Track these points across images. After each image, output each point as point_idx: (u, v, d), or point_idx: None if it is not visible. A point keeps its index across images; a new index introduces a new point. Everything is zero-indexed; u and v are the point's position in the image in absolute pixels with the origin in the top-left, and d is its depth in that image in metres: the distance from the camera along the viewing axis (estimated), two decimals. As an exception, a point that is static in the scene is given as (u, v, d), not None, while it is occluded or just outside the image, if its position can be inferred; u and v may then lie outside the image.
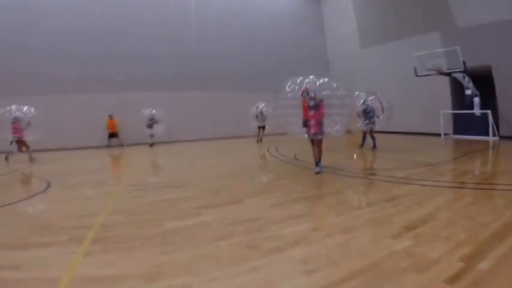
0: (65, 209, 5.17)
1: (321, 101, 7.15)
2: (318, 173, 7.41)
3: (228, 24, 19.91)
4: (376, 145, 11.58)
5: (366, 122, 11.52)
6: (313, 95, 7.14)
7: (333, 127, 7.33)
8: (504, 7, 13.52)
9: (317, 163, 7.58)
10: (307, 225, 4.11)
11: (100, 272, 2.90)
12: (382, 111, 11.38)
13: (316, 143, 7.52)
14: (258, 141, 15.49)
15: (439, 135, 15.48)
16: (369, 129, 11.62)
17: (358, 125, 11.82)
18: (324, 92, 7.25)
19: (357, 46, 21.79)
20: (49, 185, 7.01)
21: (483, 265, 2.68)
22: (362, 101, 11.64)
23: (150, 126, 15.34)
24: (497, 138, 13.34)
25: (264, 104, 15.46)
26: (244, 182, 7.27)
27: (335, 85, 7.47)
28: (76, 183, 7.45)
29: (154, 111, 15.43)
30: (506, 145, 11.86)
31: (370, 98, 11.48)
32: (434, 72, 14.61)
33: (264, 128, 15.66)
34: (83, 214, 4.76)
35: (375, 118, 11.44)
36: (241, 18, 20.60)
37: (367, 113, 11.45)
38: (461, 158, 9.53)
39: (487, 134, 13.58)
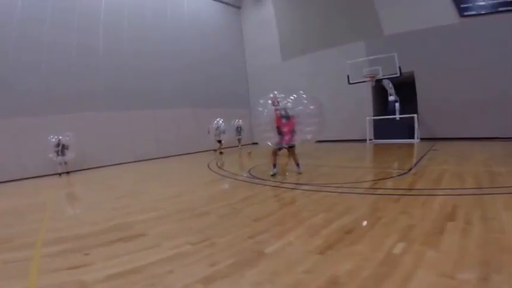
0: None
1: (292, 116, 7.32)
2: (300, 173, 7.55)
3: (149, 36, 17.19)
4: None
5: None
6: (282, 106, 7.40)
7: (306, 135, 7.42)
8: (426, 16, 14.06)
9: (297, 164, 7.73)
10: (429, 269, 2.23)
11: None
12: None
13: (290, 151, 7.70)
14: (215, 151, 15.67)
15: (361, 141, 15.67)
16: None
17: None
18: (296, 108, 7.51)
19: (278, 58, 20.85)
20: None
21: None
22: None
23: (60, 152, 12.17)
24: (418, 140, 13.71)
25: (222, 119, 15.33)
26: (227, 221, 4.50)
27: (305, 101, 7.74)
28: None
29: (61, 137, 12.35)
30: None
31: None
32: (368, 79, 14.47)
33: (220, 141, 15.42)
34: None
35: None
36: (160, 30, 17.93)
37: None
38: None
39: (408, 137, 13.99)
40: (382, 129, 15.33)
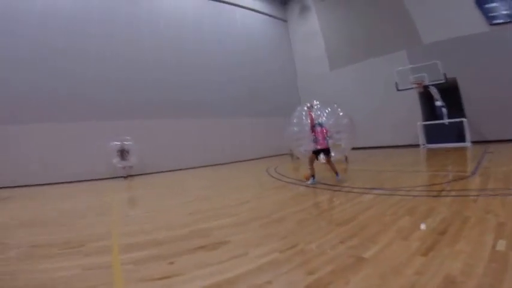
0: None
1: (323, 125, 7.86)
2: (338, 180, 7.57)
3: (201, 50, 18.24)
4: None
5: None
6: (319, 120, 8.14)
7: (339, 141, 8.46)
8: (458, 25, 14.66)
9: (336, 173, 7.75)
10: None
11: None
12: None
13: (326, 159, 7.81)
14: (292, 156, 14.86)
15: (414, 146, 15.57)
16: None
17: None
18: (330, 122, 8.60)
19: (326, 68, 21.22)
20: None
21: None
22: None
23: (122, 157, 12.84)
24: (469, 143, 13.43)
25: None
26: (304, 225, 4.36)
27: (341, 113, 9.17)
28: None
29: (125, 141, 13.09)
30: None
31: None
32: (416, 85, 14.58)
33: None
34: None
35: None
36: (216, 44, 19.02)
37: None
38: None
39: (459, 141, 13.87)
40: (432, 134, 15.19)
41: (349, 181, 7.66)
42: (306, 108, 8.87)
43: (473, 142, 13.55)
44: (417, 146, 15.19)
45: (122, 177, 13.08)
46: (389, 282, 2.36)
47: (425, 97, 15.79)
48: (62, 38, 13.36)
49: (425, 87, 14.57)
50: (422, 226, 3.59)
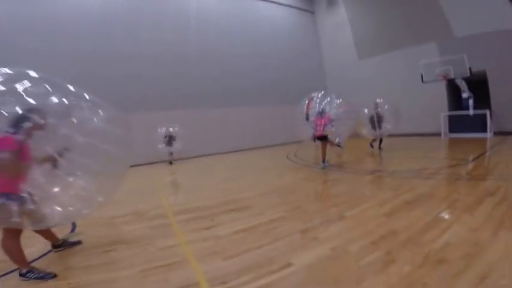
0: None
1: (324, 114, 8.45)
2: (323, 167, 8.20)
3: (228, 40, 18.72)
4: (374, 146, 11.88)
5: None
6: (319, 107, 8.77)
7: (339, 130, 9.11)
8: (491, 19, 14.26)
9: (323, 160, 8.32)
10: (458, 227, 3.47)
11: None
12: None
13: (322, 144, 8.40)
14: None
15: (435, 135, 15.71)
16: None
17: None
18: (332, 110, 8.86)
19: (354, 57, 21.26)
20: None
21: None
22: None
23: (168, 143, 13.46)
24: (491, 134, 13.67)
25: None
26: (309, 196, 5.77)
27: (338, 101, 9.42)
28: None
29: (171, 128, 13.68)
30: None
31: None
32: (441, 78, 14.65)
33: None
34: (165, 264, 3.14)
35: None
36: (241, 35, 19.39)
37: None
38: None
39: (481, 132, 14.07)
40: (456, 124, 15.51)
41: (358, 164, 9.03)
42: (306, 100, 9.85)
43: (497, 133, 13.80)
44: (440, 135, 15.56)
45: (167, 161, 14.09)
46: (355, 230, 3.60)
47: (453, 88, 15.91)
48: (115, 41, 14.74)
49: (450, 80, 14.79)
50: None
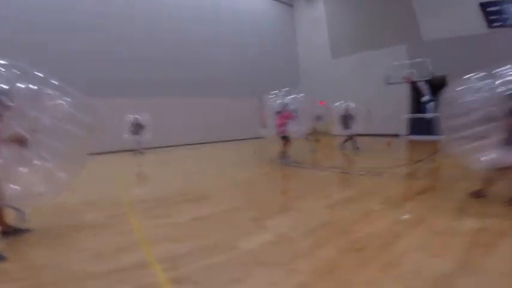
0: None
1: (283, 111, 8.59)
2: (284, 164, 8.54)
3: (202, 29, 18.46)
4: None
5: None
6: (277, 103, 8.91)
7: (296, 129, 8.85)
8: (459, 25, 14.96)
9: (282, 156, 8.73)
10: (384, 220, 3.93)
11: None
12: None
13: (282, 142, 8.70)
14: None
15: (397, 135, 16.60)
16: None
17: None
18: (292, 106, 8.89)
19: (328, 55, 21.80)
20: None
21: None
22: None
23: (135, 132, 12.91)
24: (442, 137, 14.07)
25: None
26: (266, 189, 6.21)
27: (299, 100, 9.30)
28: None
29: (139, 116, 13.07)
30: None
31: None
32: (405, 81, 15.49)
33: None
34: (119, 247, 3.40)
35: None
36: (216, 24, 19.20)
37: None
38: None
39: (438, 135, 14.30)
40: (417, 127, 16.15)
41: (318, 161, 9.69)
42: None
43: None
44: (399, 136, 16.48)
45: (135, 150, 13.41)
46: (299, 219, 4.08)
47: (416, 91, 16.65)
48: (80, 18, 14.06)
49: (414, 83, 15.52)
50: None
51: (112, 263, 2.97)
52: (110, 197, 5.87)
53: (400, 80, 15.84)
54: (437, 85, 15.38)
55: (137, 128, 12.88)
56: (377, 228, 3.58)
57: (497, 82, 4.31)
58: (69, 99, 3.90)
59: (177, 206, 5.02)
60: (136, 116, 12.96)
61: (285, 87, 9.71)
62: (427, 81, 15.06)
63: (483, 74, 4.63)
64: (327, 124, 12.11)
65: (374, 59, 18.57)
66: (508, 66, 4.43)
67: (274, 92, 9.52)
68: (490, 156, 4.08)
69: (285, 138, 8.68)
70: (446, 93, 5.00)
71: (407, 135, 16.46)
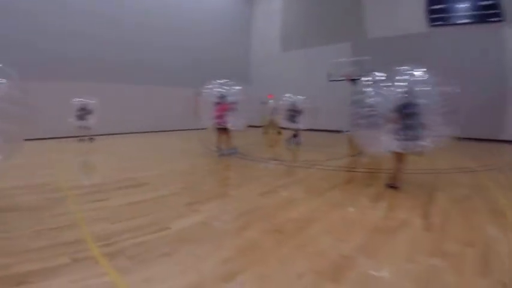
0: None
1: (221, 102, 8.55)
2: (222, 155, 8.67)
3: (153, 15, 17.82)
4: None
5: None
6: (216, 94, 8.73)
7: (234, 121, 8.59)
8: (402, 24, 15.85)
9: (220, 148, 8.85)
10: (304, 207, 4.40)
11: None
12: None
13: (220, 132, 8.76)
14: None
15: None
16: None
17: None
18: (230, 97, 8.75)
19: (279, 48, 22.20)
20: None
21: None
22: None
23: (82, 117, 12.20)
24: None
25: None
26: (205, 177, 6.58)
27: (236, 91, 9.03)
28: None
29: (87, 100, 12.38)
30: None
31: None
32: (344, 78, 15.85)
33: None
34: (56, 227, 3.55)
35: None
36: (167, 12, 18.60)
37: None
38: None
39: None
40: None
41: (261, 153, 10.13)
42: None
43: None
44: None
45: (81, 137, 12.75)
46: (231, 205, 4.50)
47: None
48: None
49: (353, 80, 16.31)
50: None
51: (50, 239, 3.16)
52: (48, 182, 5.83)
53: (340, 77, 16.33)
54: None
55: (84, 113, 12.23)
56: (297, 214, 4.09)
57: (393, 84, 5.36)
58: (5, 81, 3.94)
59: (115, 191, 5.17)
60: (82, 100, 12.29)
61: (229, 79, 9.43)
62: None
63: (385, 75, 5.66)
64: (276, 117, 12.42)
65: (321, 55, 19.04)
66: (405, 67, 5.59)
67: (212, 82, 9.14)
68: (381, 143, 5.11)
69: (224, 130, 8.71)
70: (355, 95, 5.94)
71: (347, 131, 17.26)
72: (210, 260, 2.78)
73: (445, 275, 2.51)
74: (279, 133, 15.05)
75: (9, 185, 5.32)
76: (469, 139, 13.65)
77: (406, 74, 5.39)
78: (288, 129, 12.41)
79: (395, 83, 5.30)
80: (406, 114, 4.92)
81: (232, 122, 8.52)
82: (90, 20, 15.11)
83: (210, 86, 8.92)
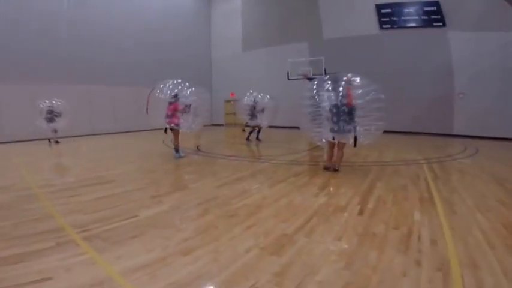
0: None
1: (172, 102, 8.38)
2: (179, 157, 8.64)
3: (113, 14, 17.81)
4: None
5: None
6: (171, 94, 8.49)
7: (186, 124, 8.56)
8: (355, 25, 16.94)
9: (176, 149, 8.78)
10: (257, 196, 5.10)
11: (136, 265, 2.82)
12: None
13: (175, 132, 8.58)
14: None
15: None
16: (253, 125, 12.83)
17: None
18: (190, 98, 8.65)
19: (239, 48, 22.79)
20: None
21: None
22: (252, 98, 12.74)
23: (50, 119, 12.30)
24: None
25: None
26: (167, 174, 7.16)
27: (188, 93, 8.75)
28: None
29: (54, 102, 12.49)
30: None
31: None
32: (302, 77, 16.31)
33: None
34: (34, 219, 4.01)
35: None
36: (126, 11, 18.61)
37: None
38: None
39: None
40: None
41: (221, 150, 10.93)
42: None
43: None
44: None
45: (49, 139, 12.88)
46: (191, 196, 5.05)
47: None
48: None
49: (310, 79, 17.03)
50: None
51: (30, 229, 3.64)
52: (18, 182, 6.17)
53: (297, 76, 16.92)
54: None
55: (52, 115, 12.37)
56: (250, 202, 4.76)
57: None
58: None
59: (84, 188, 5.62)
60: (50, 102, 12.45)
61: (190, 78, 9.50)
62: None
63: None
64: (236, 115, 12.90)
65: (281, 54, 19.64)
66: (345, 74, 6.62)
67: (165, 81, 8.87)
68: (318, 134, 6.67)
69: (173, 130, 8.54)
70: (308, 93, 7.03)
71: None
72: (172, 240, 3.36)
73: (368, 251, 3.03)
74: (243, 130, 15.59)
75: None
76: (425, 134, 14.92)
77: (343, 81, 6.40)
78: (249, 126, 13.03)
79: (336, 87, 6.39)
80: (339, 113, 6.21)
81: (183, 124, 8.49)
82: (50, 20, 15.03)
83: (162, 86, 8.64)
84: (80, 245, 3.20)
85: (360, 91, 6.22)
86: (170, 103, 8.35)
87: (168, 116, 8.32)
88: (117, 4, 18.03)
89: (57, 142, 12.91)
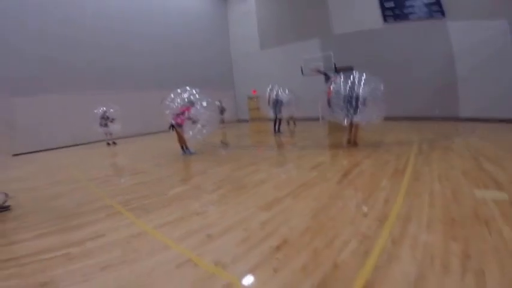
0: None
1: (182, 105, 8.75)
2: (190, 154, 9.11)
3: (129, 20, 18.53)
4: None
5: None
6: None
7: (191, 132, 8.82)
8: (362, 20, 17.26)
9: (182, 148, 9.25)
10: (264, 174, 6.13)
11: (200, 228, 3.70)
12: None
13: (178, 131, 8.93)
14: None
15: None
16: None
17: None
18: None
19: (257, 47, 23.48)
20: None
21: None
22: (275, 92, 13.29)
23: (105, 125, 13.87)
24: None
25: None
26: (191, 163, 8.09)
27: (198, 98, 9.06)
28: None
29: (108, 109, 13.99)
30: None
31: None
32: (314, 71, 16.94)
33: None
34: (88, 201, 5.21)
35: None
36: (150, 16, 19.64)
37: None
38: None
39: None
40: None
41: (239, 143, 11.84)
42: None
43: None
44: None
45: (106, 141, 14.49)
46: (211, 176, 6.19)
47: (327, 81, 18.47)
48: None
49: (325, 74, 17.36)
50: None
51: (87, 207, 4.82)
52: (69, 178, 7.54)
53: (309, 71, 17.72)
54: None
55: (106, 120, 13.87)
56: (256, 178, 5.76)
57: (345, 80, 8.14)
58: None
59: (124, 177, 7.00)
60: (104, 108, 13.91)
61: (211, 80, 9.91)
62: (337, 72, 16.82)
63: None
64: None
65: (296, 51, 20.26)
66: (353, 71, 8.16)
67: (179, 89, 9.21)
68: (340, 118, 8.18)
69: (177, 129, 8.87)
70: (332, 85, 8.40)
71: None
72: (191, 206, 4.43)
73: (332, 207, 3.94)
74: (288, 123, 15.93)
75: (43, 182, 7.14)
76: (433, 119, 15.13)
77: (352, 75, 7.97)
78: (272, 119, 13.74)
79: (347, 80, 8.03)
80: (350, 100, 7.83)
81: (186, 129, 8.77)
82: (70, 27, 15.54)
83: (172, 96, 8.94)
84: (124, 214, 4.32)
85: (366, 86, 7.81)
86: (183, 105, 8.71)
87: (176, 114, 8.62)
88: (132, 10, 18.68)
89: (114, 143, 14.46)
